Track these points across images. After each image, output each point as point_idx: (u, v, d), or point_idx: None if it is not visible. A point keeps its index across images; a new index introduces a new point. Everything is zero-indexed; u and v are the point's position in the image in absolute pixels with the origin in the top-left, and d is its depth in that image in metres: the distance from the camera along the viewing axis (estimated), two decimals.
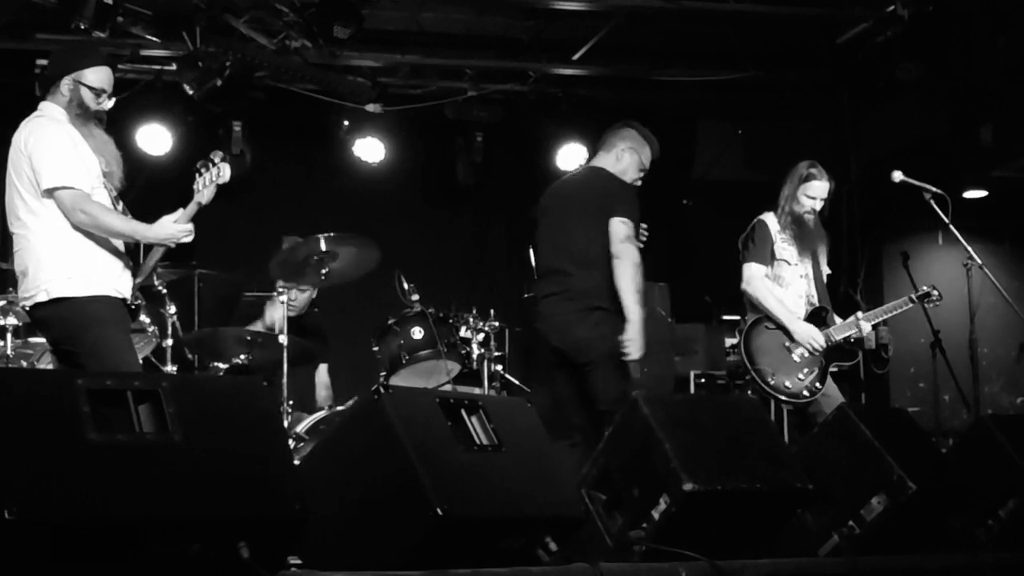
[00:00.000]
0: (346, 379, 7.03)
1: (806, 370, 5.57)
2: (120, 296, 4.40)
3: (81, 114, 4.41)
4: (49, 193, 4.28)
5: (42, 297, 4.28)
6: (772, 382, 5.54)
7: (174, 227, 4.38)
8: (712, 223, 8.76)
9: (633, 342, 5.05)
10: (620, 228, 5.15)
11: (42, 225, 4.31)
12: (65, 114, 4.41)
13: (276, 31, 7.21)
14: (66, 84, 4.42)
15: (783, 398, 5.55)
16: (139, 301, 4.56)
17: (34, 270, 4.30)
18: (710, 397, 6.94)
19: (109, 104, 4.51)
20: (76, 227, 4.30)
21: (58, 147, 4.31)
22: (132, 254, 4.60)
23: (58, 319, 4.29)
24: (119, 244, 4.45)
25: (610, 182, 5.33)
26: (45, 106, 4.46)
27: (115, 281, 4.38)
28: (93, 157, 4.39)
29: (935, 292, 5.83)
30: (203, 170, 4.41)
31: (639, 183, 5.45)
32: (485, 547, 3.20)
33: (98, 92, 4.44)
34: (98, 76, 4.45)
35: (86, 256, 4.32)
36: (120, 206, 4.48)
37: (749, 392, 5.77)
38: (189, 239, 4.41)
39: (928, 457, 4.28)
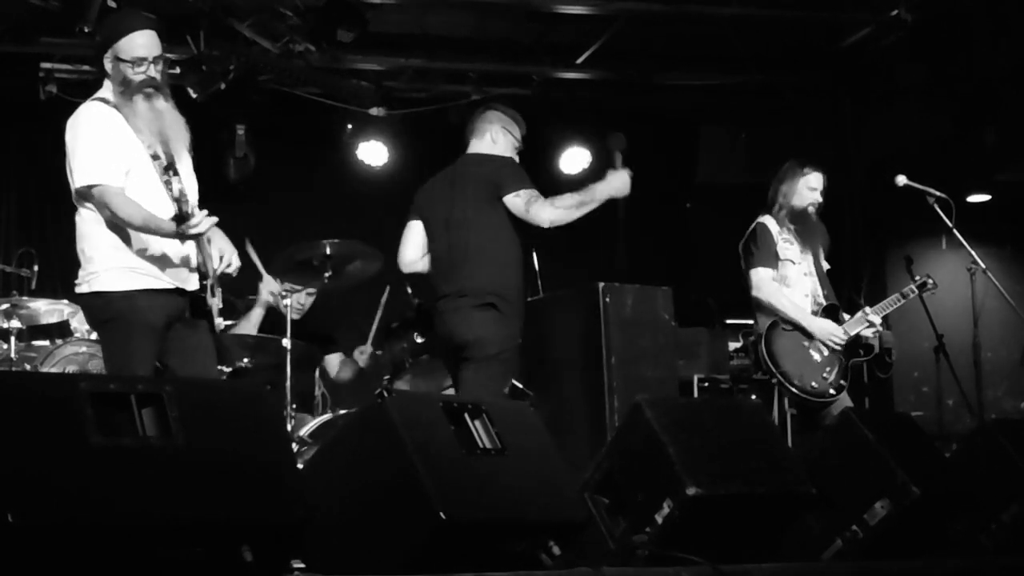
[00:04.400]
0: (348, 382, 7.02)
1: (828, 368, 5.57)
2: (166, 287, 4.16)
3: (124, 91, 4.12)
4: (80, 195, 4.13)
5: (84, 289, 4.19)
6: (798, 383, 5.53)
7: (183, 227, 4.01)
8: (715, 227, 8.75)
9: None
10: (515, 202, 5.10)
11: (87, 215, 4.17)
12: (112, 91, 4.17)
13: (280, 35, 7.23)
14: (107, 63, 4.17)
15: (811, 399, 5.54)
16: (208, 285, 4.22)
17: (82, 261, 4.21)
18: (713, 401, 6.91)
19: (156, 70, 4.13)
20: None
21: (86, 143, 4.10)
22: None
23: (88, 311, 4.27)
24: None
25: (494, 162, 5.25)
26: (104, 87, 4.22)
27: (165, 272, 4.16)
28: (135, 140, 4.11)
29: (930, 280, 5.82)
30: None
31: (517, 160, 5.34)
32: (488, 551, 3.20)
33: (134, 62, 4.10)
34: (130, 45, 4.10)
35: (128, 247, 4.13)
36: (174, 179, 4.07)
37: (753, 396, 5.77)
38: (201, 231, 4.07)
39: (931, 461, 4.28)
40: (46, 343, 6.40)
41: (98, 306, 4.18)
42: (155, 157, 4.10)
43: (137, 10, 4.36)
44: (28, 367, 6.00)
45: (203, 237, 4.15)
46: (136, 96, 4.12)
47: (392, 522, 3.08)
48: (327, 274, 5.90)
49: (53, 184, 8.12)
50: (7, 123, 8.07)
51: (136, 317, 4.12)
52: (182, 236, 4.06)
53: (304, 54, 7.32)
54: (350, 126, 8.38)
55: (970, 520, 4.26)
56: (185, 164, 4.26)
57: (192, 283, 4.25)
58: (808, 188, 5.70)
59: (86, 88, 7.70)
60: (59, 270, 7.93)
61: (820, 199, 5.74)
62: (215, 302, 4.30)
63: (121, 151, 4.12)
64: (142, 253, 4.14)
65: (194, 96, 7.35)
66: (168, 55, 4.22)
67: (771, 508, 3.78)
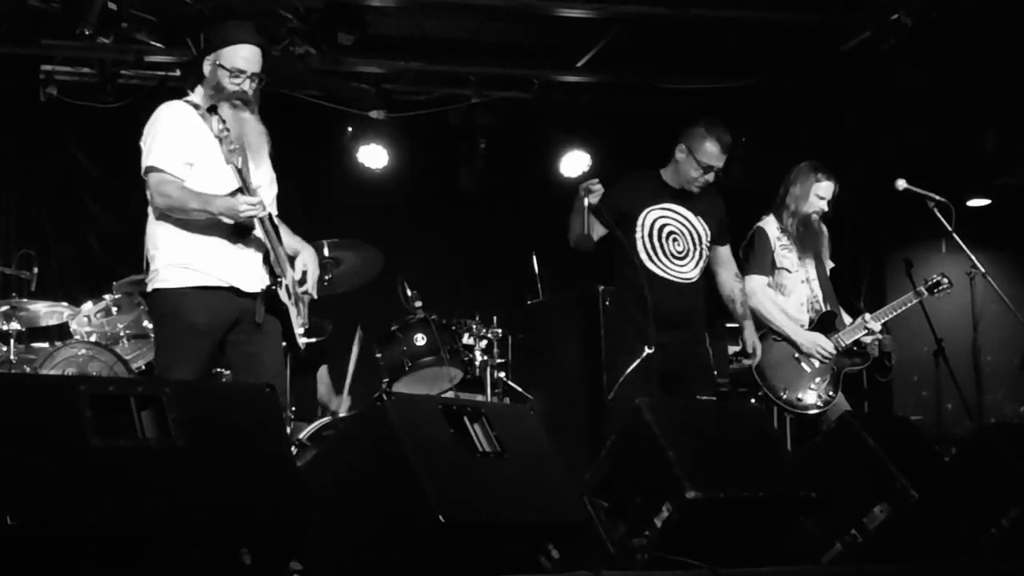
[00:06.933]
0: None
1: (818, 379, 5.55)
2: (217, 285, 4.19)
3: (214, 95, 4.24)
4: (144, 177, 4.20)
5: (148, 288, 4.28)
6: (785, 396, 5.51)
7: (235, 200, 4.10)
8: None
9: None
10: None
11: (151, 215, 4.26)
12: (202, 95, 4.29)
13: (280, 37, 7.22)
14: (207, 65, 4.30)
15: (797, 411, 5.52)
16: (282, 284, 4.26)
17: (148, 259, 4.28)
18: (713, 404, 6.92)
19: (250, 85, 4.28)
20: (162, 214, 4.18)
21: (158, 130, 4.21)
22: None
23: (148, 310, 4.43)
24: (226, 230, 4.20)
25: None
26: (195, 92, 4.35)
27: (217, 270, 4.19)
28: (208, 138, 4.17)
29: (945, 280, 5.77)
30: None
31: (701, 182, 5.29)
32: (487, 554, 3.20)
33: (232, 72, 4.24)
34: (234, 55, 4.25)
35: (182, 244, 4.18)
36: (256, 197, 4.21)
37: (752, 400, 5.76)
38: (253, 213, 4.14)
39: (931, 465, 4.28)
40: (45, 345, 6.40)
41: (153, 304, 4.29)
42: (231, 151, 4.19)
43: (250, 24, 4.50)
44: (27, 369, 6.00)
45: (276, 240, 4.27)
46: (223, 104, 4.23)
47: (391, 525, 3.08)
48: (327, 276, 5.90)
49: (53, 186, 8.23)
50: (7, 125, 8.07)
51: (181, 316, 4.17)
52: (235, 213, 4.10)
53: (304, 57, 7.32)
54: (350, 129, 8.38)
55: (969, 524, 4.25)
56: (262, 171, 4.44)
57: (251, 284, 4.25)
58: (817, 196, 5.69)
59: (86, 90, 7.79)
60: (58, 272, 7.95)
61: (827, 208, 5.72)
62: (294, 311, 4.32)
63: (186, 144, 4.20)
64: (195, 250, 4.19)
65: None
66: (262, 74, 4.37)
67: (770, 512, 3.78)
